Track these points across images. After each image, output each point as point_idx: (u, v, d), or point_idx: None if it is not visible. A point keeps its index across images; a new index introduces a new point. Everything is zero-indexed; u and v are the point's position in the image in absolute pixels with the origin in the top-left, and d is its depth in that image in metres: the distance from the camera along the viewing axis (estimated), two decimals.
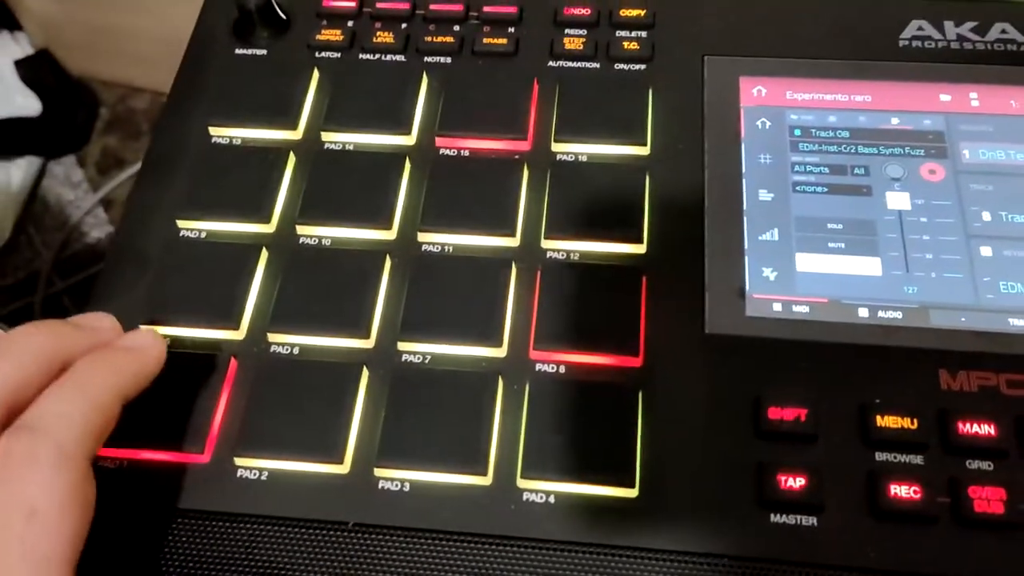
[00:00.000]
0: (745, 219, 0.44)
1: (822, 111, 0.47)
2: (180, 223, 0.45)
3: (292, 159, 0.47)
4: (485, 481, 0.38)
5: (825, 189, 0.44)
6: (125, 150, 1.18)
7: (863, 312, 0.41)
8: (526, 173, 0.46)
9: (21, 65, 1.16)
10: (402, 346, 0.42)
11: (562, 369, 0.41)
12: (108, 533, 0.38)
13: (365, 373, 0.41)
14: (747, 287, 0.42)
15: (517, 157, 0.46)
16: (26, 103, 1.16)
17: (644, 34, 0.50)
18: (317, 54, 0.51)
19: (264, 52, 0.51)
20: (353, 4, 0.52)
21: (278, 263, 0.44)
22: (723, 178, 0.45)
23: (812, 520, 0.37)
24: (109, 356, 0.36)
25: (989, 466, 0.37)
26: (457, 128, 0.47)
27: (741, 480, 0.38)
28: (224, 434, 0.40)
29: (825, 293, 0.42)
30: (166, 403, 0.40)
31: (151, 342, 0.37)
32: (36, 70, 1.17)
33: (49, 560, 0.29)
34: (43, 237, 1.12)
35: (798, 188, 0.45)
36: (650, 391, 0.40)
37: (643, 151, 0.46)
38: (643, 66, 0.49)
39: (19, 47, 1.19)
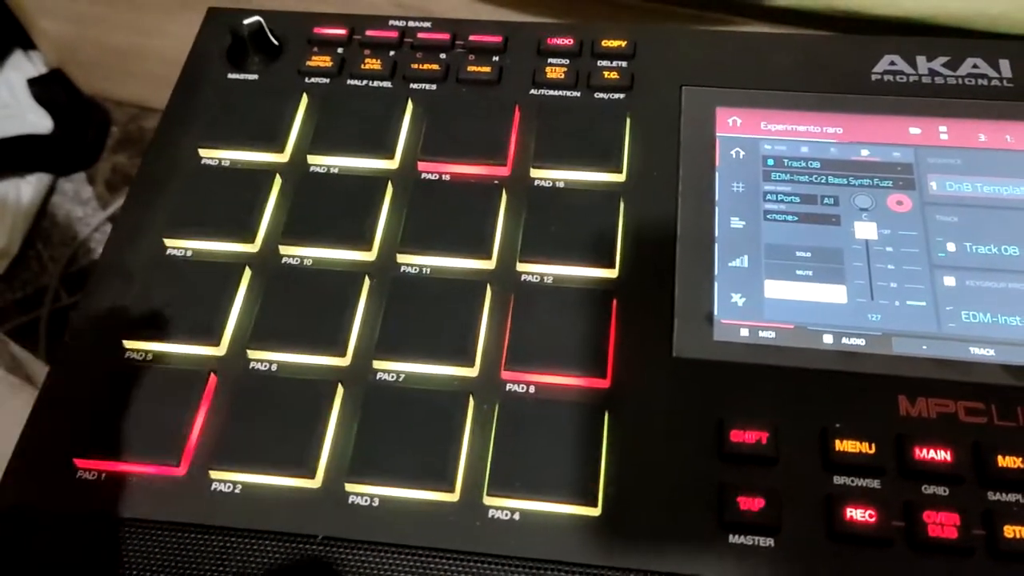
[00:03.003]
0: (716, 246, 0.45)
1: (795, 142, 0.48)
2: (167, 242, 0.47)
3: (278, 181, 0.48)
4: (452, 497, 0.39)
5: (795, 218, 0.45)
6: (134, 168, 1.19)
7: (828, 338, 0.42)
8: (504, 198, 0.47)
9: (34, 84, 1.18)
10: (377, 364, 0.43)
11: (532, 389, 0.42)
12: (86, 543, 0.39)
13: (340, 390, 0.42)
14: (715, 312, 0.43)
15: (496, 182, 0.47)
16: (38, 121, 1.18)
17: (624, 64, 0.51)
18: (307, 79, 0.53)
19: (256, 77, 0.53)
20: (343, 31, 0.54)
21: (260, 282, 0.45)
22: (696, 205, 0.46)
23: (770, 541, 0.37)
24: None
25: (944, 491, 0.38)
26: (439, 153, 0.48)
27: (702, 501, 0.38)
28: (201, 448, 0.41)
29: (791, 319, 0.43)
30: (145, 416, 0.41)
31: None
32: (49, 89, 1.19)
33: None
34: (51, 252, 1.13)
35: (769, 216, 0.46)
36: (616, 412, 0.41)
37: (619, 178, 0.47)
38: (622, 95, 0.50)
39: (33, 66, 1.21)
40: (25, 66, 1.20)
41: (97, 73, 1.21)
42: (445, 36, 0.53)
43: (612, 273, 0.44)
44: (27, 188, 1.14)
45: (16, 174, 1.14)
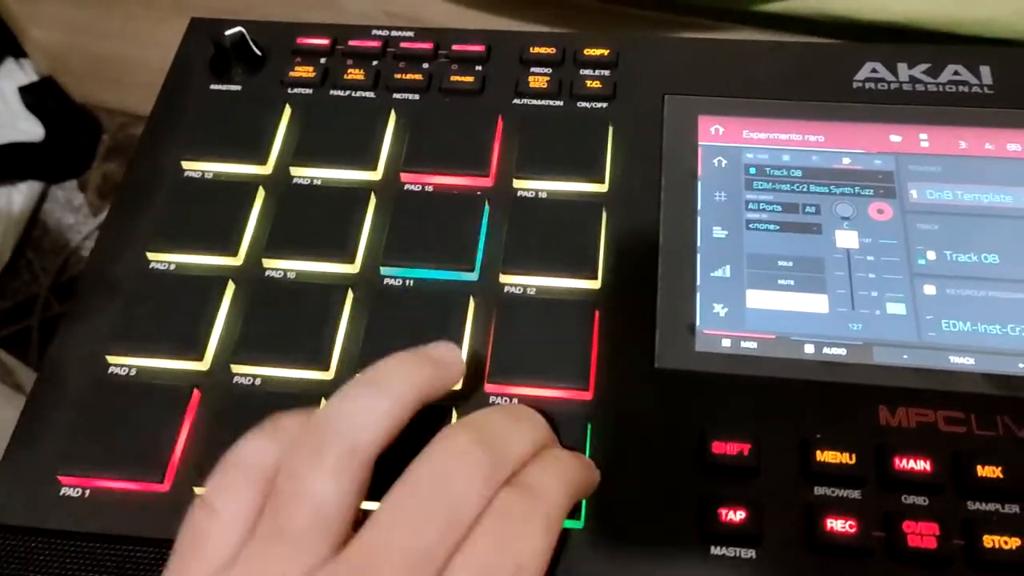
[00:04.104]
0: (698, 256, 0.45)
1: (777, 150, 0.48)
2: (150, 255, 0.47)
3: (261, 193, 0.48)
4: None
5: (777, 227, 0.45)
6: None
7: (809, 348, 0.42)
8: (487, 209, 0.47)
9: (25, 92, 1.18)
10: None
11: (515, 401, 0.42)
12: (69, 559, 0.39)
13: (322, 403, 0.42)
14: (697, 323, 0.43)
15: (479, 193, 0.47)
16: (29, 129, 1.18)
17: (607, 73, 0.52)
18: (290, 90, 0.53)
19: (239, 88, 0.53)
20: (326, 42, 0.54)
21: (244, 295, 0.45)
22: (679, 215, 0.46)
23: (751, 553, 0.38)
24: (577, 458, 0.38)
25: (924, 501, 0.38)
26: (422, 164, 0.48)
27: (684, 512, 0.39)
28: (184, 463, 0.41)
29: (773, 329, 0.43)
30: (129, 432, 0.41)
31: (592, 467, 0.39)
32: (40, 97, 1.19)
33: None
34: (42, 261, 1.13)
35: (751, 226, 0.46)
36: (599, 423, 0.41)
37: (601, 188, 0.47)
38: (605, 104, 0.50)
39: (24, 74, 1.21)
40: (16, 74, 1.20)
41: (88, 81, 1.21)
42: (428, 45, 0.53)
43: (595, 284, 0.44)
44: (18, 196, 1.14)
45: (7, 182, 1.14)
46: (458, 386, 0.42)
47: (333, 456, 0.31)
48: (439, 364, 0.36)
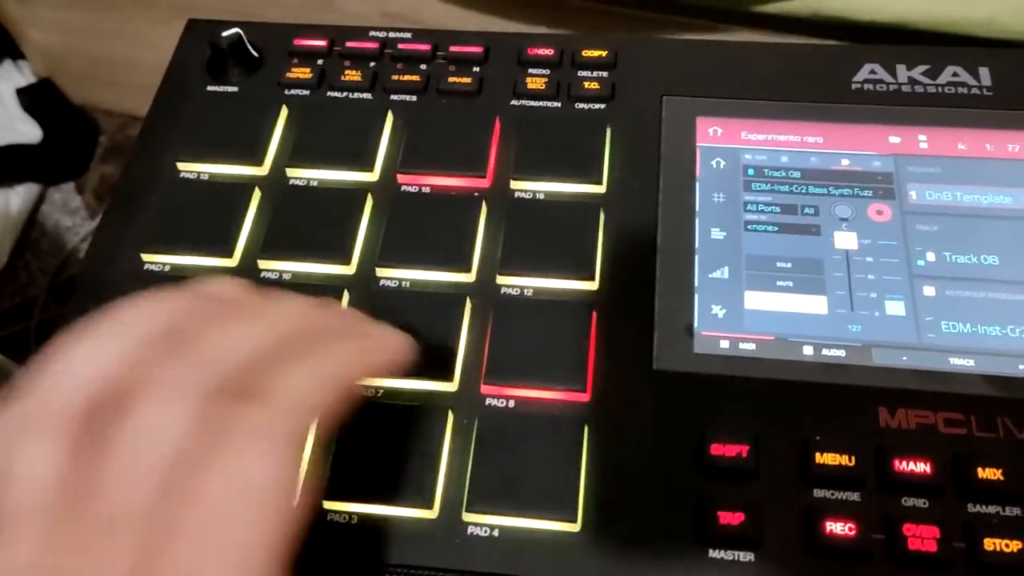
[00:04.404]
0: (696, 257, 0.45)
1: (775, 151, 0.47)
2: (145, 256, 0.46)
3: (257, 194, 0.48)
4: (431, 514, 0.39)
5: (776, 228, 0.45)
6: None
7: (808, 350, 0.42)
8: (484, 210, 0.47)
9: (23, 93, 1.18)
10: None
11: (512, 403, 0.42)
12: None
13: None
14: (696, 324, 0.43)
15: (476, 194, 0.47)
16: (27, 130, 1.17)
17: (605, 74, 0.51)
18: (287, 91, 0.52)
19: (235, 89, 0.53)
20: (323, 43, 0.54)
21: None
22: (677, 216, 0.46)
23: (750, 555, 0.37)
24: (348, 341, 0.32)
25: (924, 503, 0.38)
26: (419, 165, 0.48)
27: (682, 515, 0.38)
28: None
29: (772, 331, 0.42)
30: None
31: (401, 341, 0.34)
32: (38, 98, 1.19)
33: (263, 548, 0.26)
34: (40, 263, 1.13)
35: (749, 227, 0.45)
36: (597, 426, 0.41)
37: (599, 189, 0.47)
38: (603, 105, 0.50)
39: (21, 76, 1.21)
40: (14, 76, 1.20)
41: (86, 83, 1.20)
42: (426, 47, 0.53)
43: (592, 285, 0.44)
44: (16, 198, 1.14)
45: (5, 184, 1.14)
46: (454, 388, 0.42)
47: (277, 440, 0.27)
48: (386, 347, 0.34)
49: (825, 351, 0.42)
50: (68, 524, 0.25)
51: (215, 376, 0.27)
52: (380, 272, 0.45)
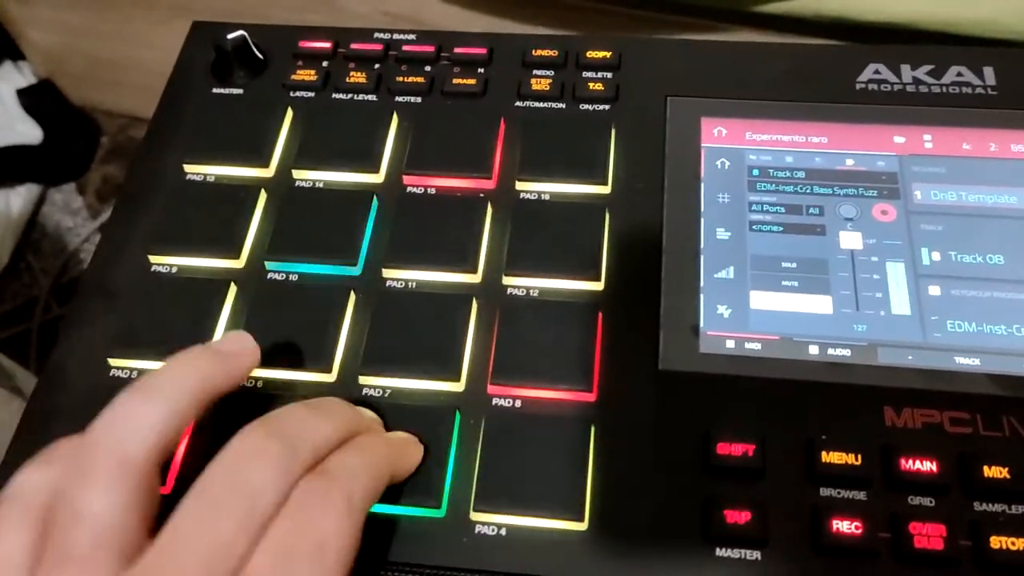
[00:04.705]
0: (702, 257, 0.45)
1: (780, 152, 0.48)
2: (151, 258, 0.47)
3: (263, 196, 0.48)
4: (439, 513, 0.39)
5: (781, 228, 0.45)
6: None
7: (813, 349, 0.42)
8: (490, 211, 0.47)
9: (24, 94, 1.18)
10: (363, 380, 0.43)
11: (518, 403, 0.42)
12: None
13: None
14: (701, 324, 0.43)
15: (482, 195, 0.47)
16: (28, 131, 1.18)
17: (609, 75, 0.51)
18: (292, 93, 0.53)
19: (241, 91, 0.53)
20: (328, 45, 0.54)
21: (246, 298, 0.45)
22: (682, 217, 0.46)
23: (756, 554, 0.37)
24: (387, 442, 0.39)
25: (931, 502, 0.38)
26: (424, 166, 0.48)
27: (689, 514, 0.38)
28: (184, 470, 0.41)
29: (777, 330, 0.43)
30: None
31: (415, 446, 0.40)
32: (38, 99, 1.19)
33: None
34: (41, 264, 1.13)
35: (754, 227, 0.46)
36: (603, 426, 0.41)
37: (604, 190, 0.47)
38: (607, 106, 0.50)
39: (22, 76, 1.21)
40: (14, 77, 1.20)
41: (86, 84, 1.21)
42: (430, 48, 0.53)
43: (598, 286, 0.44)
44: (17, 199, 1.14)
45: (6, 185, 1.14)
46: (460, 388, 0.42)
47: (103, 471, 0.30)
48: (226, 356, 0.36)
49: (831, 351, 0.42)
50: None
51: (302, 459, 0.33)
52: (386, 273, 0.45)
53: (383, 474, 0.36)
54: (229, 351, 0.36)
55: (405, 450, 0.39)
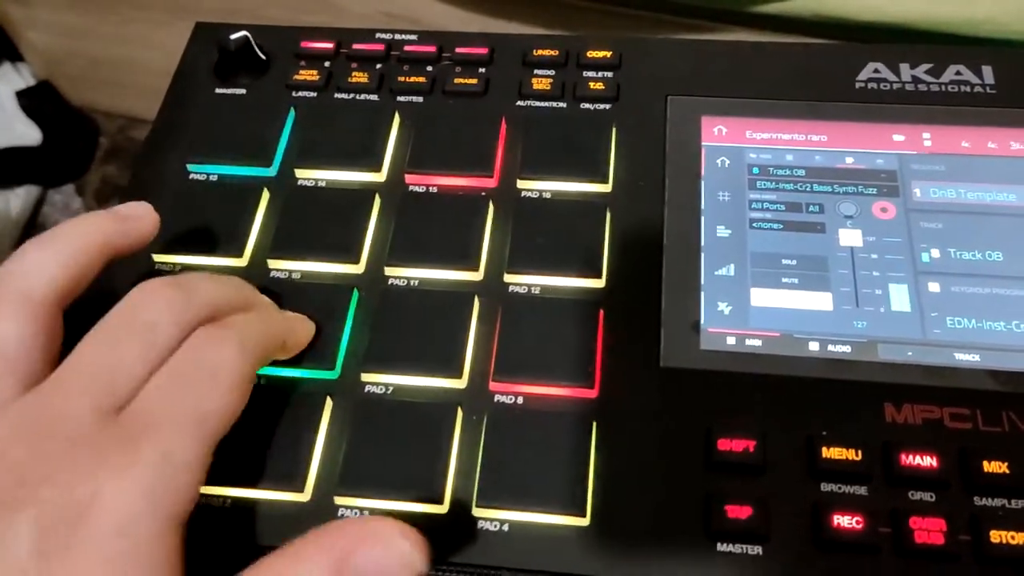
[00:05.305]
0: (702, 255, 0.45)
1: (780, 150, 0.48)
2: (156, 258, 0.47)
3: (266, 195, 0.48)
4: (442, 509, 0.39)
5: (780, 226, 0.46)
6: (124, 179, 1.19)
7: (814, 346, 0.42)
8: (491, 210, 0.47)
9: (23, 95, 1.18)
10: (366, 377, 0.43)
11: (520, 400, 0.42)
12: None
13: (329, 403, 0.42)
14: (702, 321, 0.43)
15: (484, 194, 0.48)
16: (27, 132, 1.18)
17: (610, 75, 0.52)
18: (294, 93, 0.53)
19: (243, 92, 0.53)
20: (330, 45, 0.54)
21: None
22: (682, 215, 0.46)
23: (758, 550, 0.38)
24: (282, 314, 0.42)
25: (931, 497, 0.38)
26: (426, 165, 0.49)
27: (690, 510, 0.39)
28: None
29: (778, 327, 0.43)
30: None
31: (309, 323, 0.43)
32: (37, 100, 1.19)
33: (209, 417, 0.33)
34: None
35: (755, 225, 0.46)
36: (604, 422, 0.41)
37: (605, 188, 0.47)
38: (608, 105, 0.51)
39: (21, 78, 1.21)
40: (13, 78, 1.21)
41: (85, 84, 1.21)
42: (431, 48, 0.53)
43: (599, 283, 0.45)
44: (16, 200, 1.14)
45: (5, 186, 1.14)
46: (463, 385, 0.42)
47: (7, 303, 0.34)
48: (125, 218, 0.39)
49: (831, 347, 0.42)
50: None
51: (198, 307, 0.36)
52: (389, 271, 0.46)
53: (277, 335, 0.39)
54: (128, 214, 0.39)
55: (299, 323, 0.42)
